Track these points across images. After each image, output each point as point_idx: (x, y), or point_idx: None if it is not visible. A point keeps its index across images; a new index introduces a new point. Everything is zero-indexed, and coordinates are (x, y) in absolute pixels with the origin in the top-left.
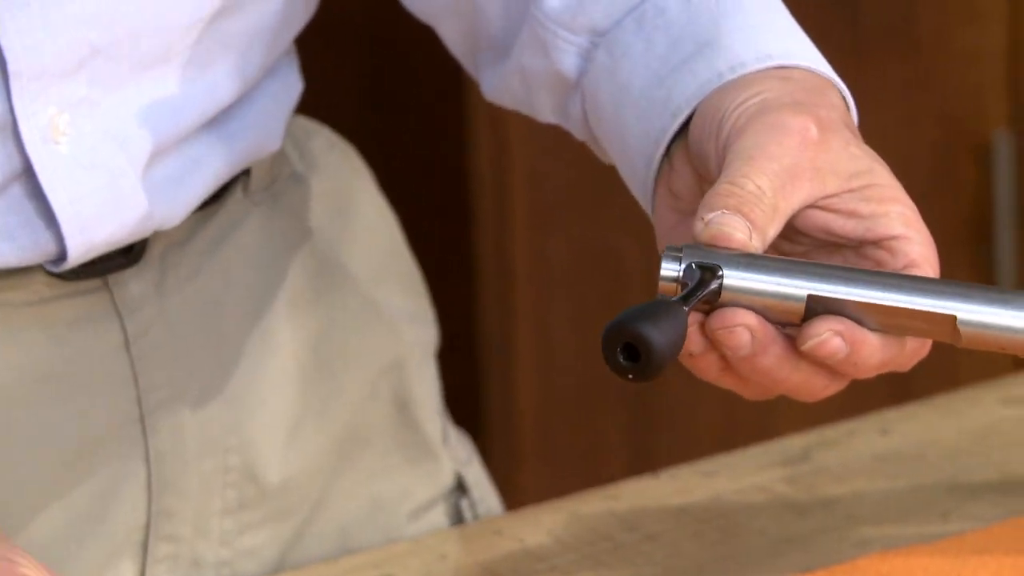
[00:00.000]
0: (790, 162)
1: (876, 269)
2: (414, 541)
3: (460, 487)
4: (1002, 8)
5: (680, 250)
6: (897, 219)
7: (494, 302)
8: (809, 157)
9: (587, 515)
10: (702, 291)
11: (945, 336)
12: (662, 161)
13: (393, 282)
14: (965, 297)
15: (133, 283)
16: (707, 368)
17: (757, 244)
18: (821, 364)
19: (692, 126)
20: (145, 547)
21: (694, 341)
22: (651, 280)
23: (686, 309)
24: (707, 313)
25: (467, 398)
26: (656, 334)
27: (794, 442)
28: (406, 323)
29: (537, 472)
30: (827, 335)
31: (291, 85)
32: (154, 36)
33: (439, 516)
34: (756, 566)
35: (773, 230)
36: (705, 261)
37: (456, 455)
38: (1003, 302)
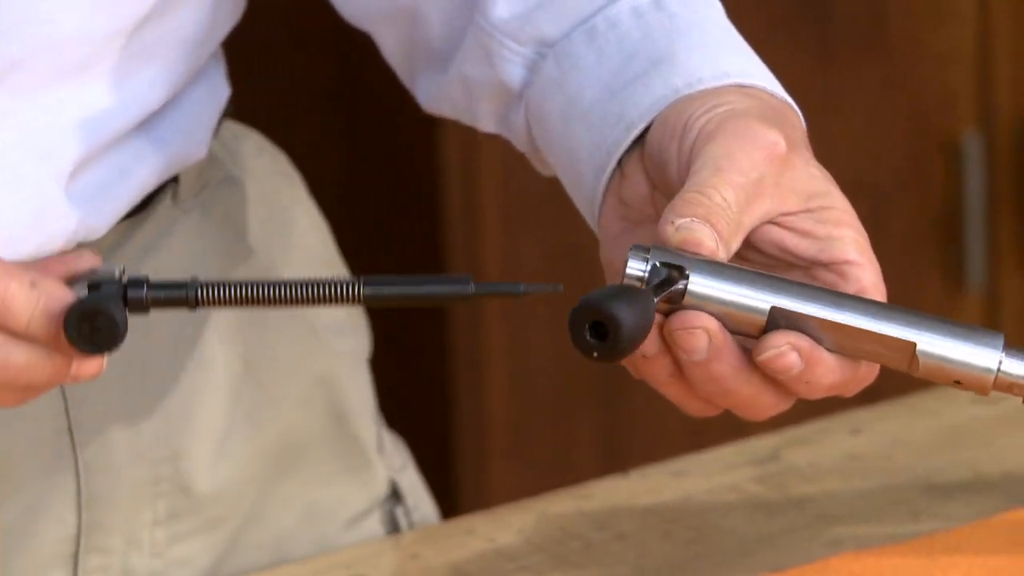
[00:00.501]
0: (757, 176)
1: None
2: (385, 540)
3: (395, 494)
4: (971, 10)
5: (647, 250)
6: (851, 244)
7: (465, 302)
8: (774, 172)
9: (557, 515)
10: (669, 287)
11: (902, 364)
12: (613, 172)
13: None
14: (926, 327)
15: None
16: (658, 372)
17: (722, 255)
18: (772, 379)
19: (651, 134)
20: (76, 559)
21: (650, 342)
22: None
23: (655, 299)
24: (667, 315)
25: (438, 398)
26: (626, 314)
27: (765, 442)
28: (336, 332)
29: (507, 472)
30: (785, 348)
31: (218, 90)
32: (76, 46)
33: (374, 524)
34: (727, 566)
35: (735, 243)
36: (672, 262)
37: (391, 462)
38: (963, 336)
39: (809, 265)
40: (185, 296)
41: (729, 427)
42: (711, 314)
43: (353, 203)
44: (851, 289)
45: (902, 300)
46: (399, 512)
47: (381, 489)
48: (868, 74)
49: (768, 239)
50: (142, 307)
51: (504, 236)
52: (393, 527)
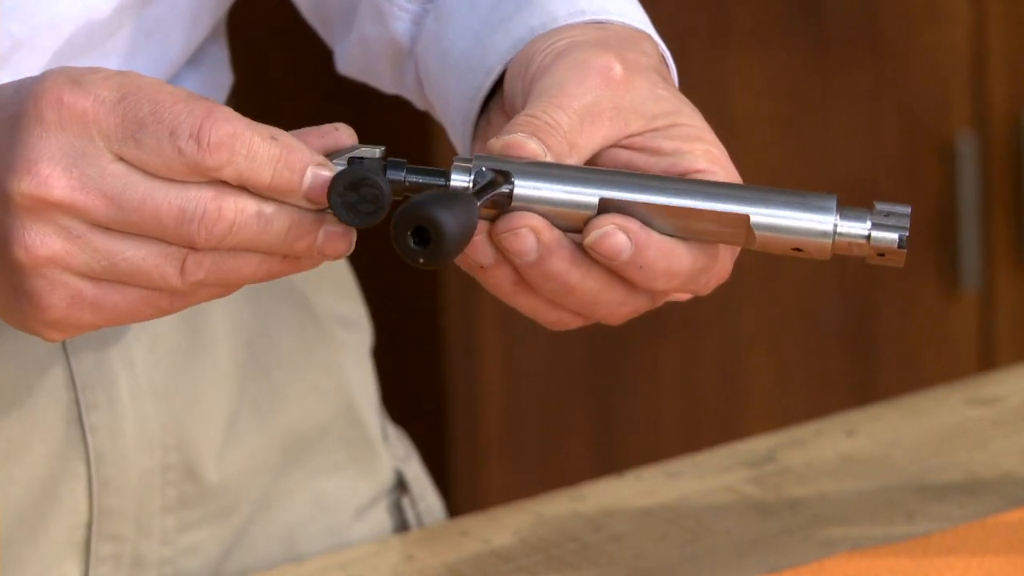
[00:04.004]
0: (591, 100)
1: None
2: (381, 542)
3: (400, 484)
4: (965, 9)
5: (470, 160)
6: (702, 156)
7: (459, 301)
8: (610, 95)
9: (553, 516)
10: (493, 190)
11: (739, 239)
12: (479, 118)
13: (326, 283)
14: (757, 199)
15: None
16: (500, 282)
17: None
18: (610, 269)
19: (506, 77)
20: (88, 547)
21: (483, 251)
22: None
23: (477, 202)
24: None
25: (432, 398)
26: (448, 218)
27: (759, 443)
28: (339, 325)
29: (502, 473)
30: (610, 228)
31: (220, 78)
32: (76, 25)
33: (381, 514)
34: (722, 567)
35: (571, 163)
36: (497, 167)
37: (395, 452)
38: (796, 204)
39: None
40: (444, 184)
41: (722, 427)
42: (541, 215)
43: None
44: None
45: (896, 302)
46: (405, 502)
47: (387, 479)
48: (861, 74)
49: (617, 162)
50: (399, 190)
51: None
52: (399, 517)
